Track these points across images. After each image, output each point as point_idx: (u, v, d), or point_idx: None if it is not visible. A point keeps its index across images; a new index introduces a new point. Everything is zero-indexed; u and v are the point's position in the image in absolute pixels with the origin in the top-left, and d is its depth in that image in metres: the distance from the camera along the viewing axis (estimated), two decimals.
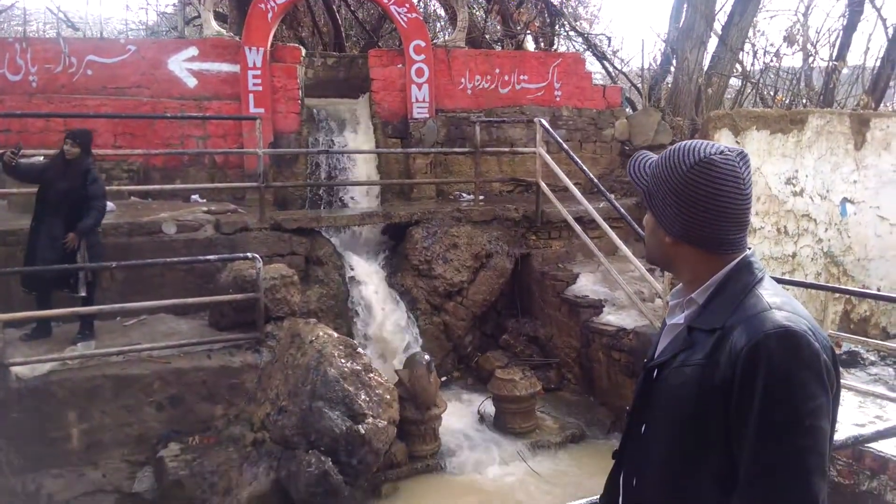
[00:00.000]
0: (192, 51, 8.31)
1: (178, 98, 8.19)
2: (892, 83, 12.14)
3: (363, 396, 5.08)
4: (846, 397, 6.08)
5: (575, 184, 7.41)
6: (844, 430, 2.61)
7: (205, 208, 7.08)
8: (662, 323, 1.59)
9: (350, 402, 4.99)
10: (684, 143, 1.45)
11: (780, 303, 1.35)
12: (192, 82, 8.29)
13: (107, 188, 5.84)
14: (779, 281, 6.98)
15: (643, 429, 1.48)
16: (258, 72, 8.23)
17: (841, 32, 12.25)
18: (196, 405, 5.38)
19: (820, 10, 24.93)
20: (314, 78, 9.39)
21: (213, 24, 8.60)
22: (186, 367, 5.36)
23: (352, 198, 8.52)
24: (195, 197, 7.99)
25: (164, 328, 5.91)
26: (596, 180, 7.15)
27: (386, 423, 5.13)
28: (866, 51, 19.67)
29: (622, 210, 6.79)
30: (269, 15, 8.32)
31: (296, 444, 4.96)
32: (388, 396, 5.27)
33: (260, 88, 8.23)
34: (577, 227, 7.23)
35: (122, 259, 5.73)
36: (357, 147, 8.54)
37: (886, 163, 8.22)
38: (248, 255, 5.69)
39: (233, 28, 9.72)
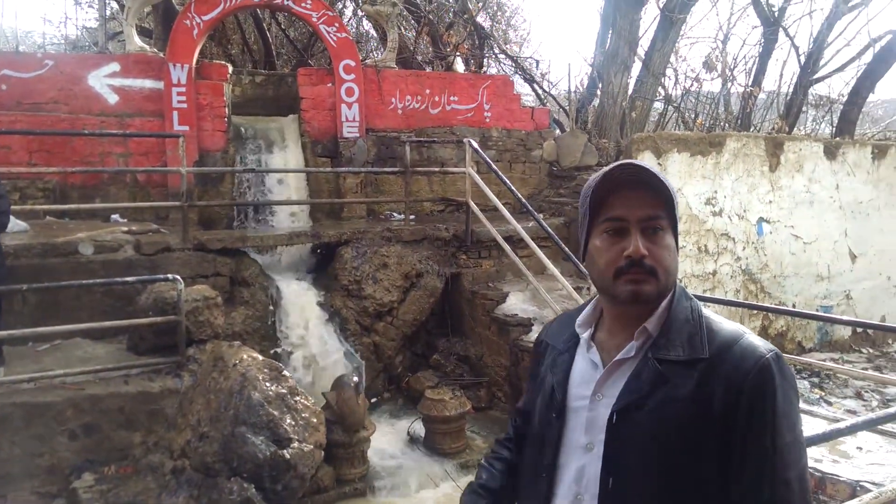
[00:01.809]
0: (114, 66, 8.07)
1: (99, 115, 7.93)
2: (804, 108, 12.75)
3: (289, 420, 4.97)
4: None
5: (505, 204, 7.49)
6: None
7: (125, 228, 6.84)
8: (564, 358, 1.57)
9: (275, 427, 4.87)
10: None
11: (741, 328, 1.42)
12: (113, 98, 8.04)
13: (21, 207, 5.59)
14: (702, 299, 7.20)
15: (610, 483, 1.37)
16: (183, 89, 8.04)
17: (757, 59, 12.83)
18: (112, 433, 5.16)
19: (737, 38, 26.02)
20: (242, 96, 9.24)
21: (136, 39, 8.38)
22: (102, 393, 5.14)
23: (279, 217, 8.39)
24: (115, 216, 7.73)
25: (80, 353, 5.67)
26: (524, 200, 7.24)
27: (312, 447, 5.03)
28: (780, 77, 20.56)
29: (550, 230, 6.90)
30: (195, 31, 8.16)
31: (217, 471, 4.80)
32: (315, 420, 5.17)
33: (185, 106, 8.04)
34: (507, 247, 7.30)
35: (35, 281, 5.48)
36: (286, 166, 8.43)
37: (799, 184, 8.60)
38: (169, 276, 5.51)
39: (157, 44, 9.50)
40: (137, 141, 8.00)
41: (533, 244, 6.92)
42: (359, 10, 13.03)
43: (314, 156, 8.68)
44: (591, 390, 1.45)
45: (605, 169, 1.41)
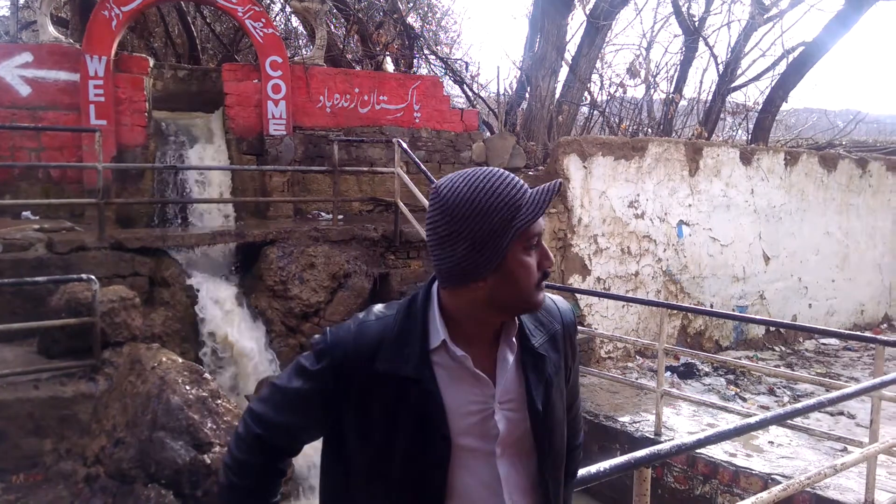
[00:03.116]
0: (27, 57, 7.69)
1: (9, 107, 7.56)
2: (722, 115, 13.25)
3: (210, 424, 4.84)
4: (681, 406, 6.49)
5: None
6: (678, 438, 2.76)
7: (36, 226, 6.54)
8: (427, 386, 1.41)
9: (195, 431, 4.73)
10: (488, 169, 1.46)
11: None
12: (25, 90, 7.67)
13: None
14: (623, 299, 7.36)
15: (543, 468, 1.50)
16: (100, 82, 7.73)
17: (678, 67, 13.26)
18: (21, 440, 4.91)
19: (660, 46, 26.83)
20: (164, 90, 8.97)
21: (51, 29, 8.02)
22: (10, 398, 4.89)
23: (203, 216, 8.17)
24: (27, 213, 7.38)
25: None
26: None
27: None
28: (700, 85, 21.30)
29: None
30: (114, 22, 7.86)
31: (134, 477, 4.64)
32: (237, 423, 5.05)
33: (102, 99, 7.74)
34: None
35: None
36: (209, 163, 8.22)
37: (717, 188, 8.91)
38: (84, 276, 5.29)
39: (74, 34, 9.12)
40: (51, 135, 7.66)
41: None
42: (287, 7, 12.82)
43: (239, 153, 8.49)
44: (483, 404, 1.45)
45: (541, 196, 1.38)
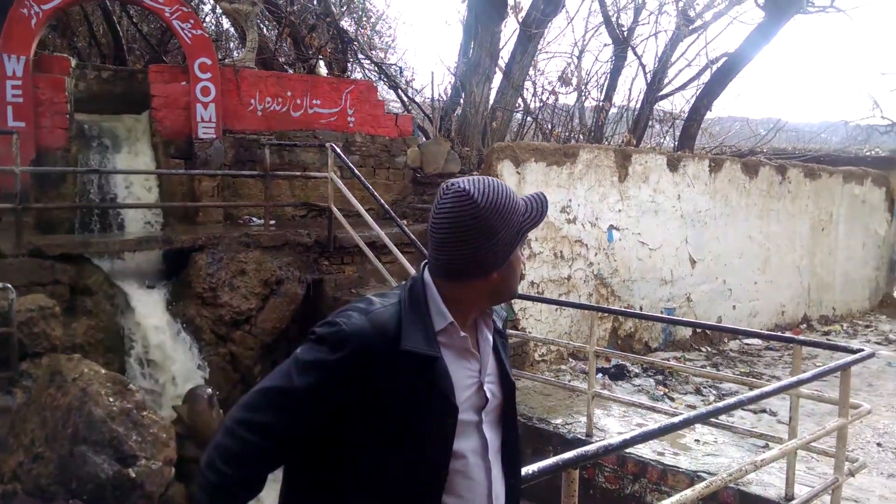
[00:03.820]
0: None
1: None
2: (650, 123, 13.61)
3: (134, 437, 4.69)
4: (612, 408, 6.63)
5: (368, 209, 7.45)
6: (608, 438, 2.82)
7: None
8: (440, 363, 1.58)
9: (119, 444, 4.58)
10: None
11: None
12: None
13: None
14: (556, 303, 7.46)
15: (509, 430, 1.73)
16: (18, 82, 7.42)
17: (608, 76, 13.56)
18: None
19: (591, 55, 27.35)
20: (87, 91, 8.65)
21: None
22: None
23: (128, 222, 7.92)
24: None
25: None
26: (387, 206, 7.23)
27: (161, 463, 4.77)
28: (629, 93, 21.83)
29: (413, 236, 6.94)
30: (33, 21, 7.56)
31: (53, 493, 4.46)
32: (165, 435, 4.91)
33: (20, 100, 7.42)
34: (370, 253, 7.27)
35: None
36: (134, 167, 7.97)
37: (645, 194, 9.14)
38: (0, 284, 5.07)
39: None
40: None
41: (396, 250, 6.93)
42: (217, 8, 12.57)
43: (167, 157, 8.26)
44: (473, 378, 1.65)
45: (540, 204, 1.64)
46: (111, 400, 4.76)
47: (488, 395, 1.66)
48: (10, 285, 5.07)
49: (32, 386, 5.05)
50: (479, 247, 1.55)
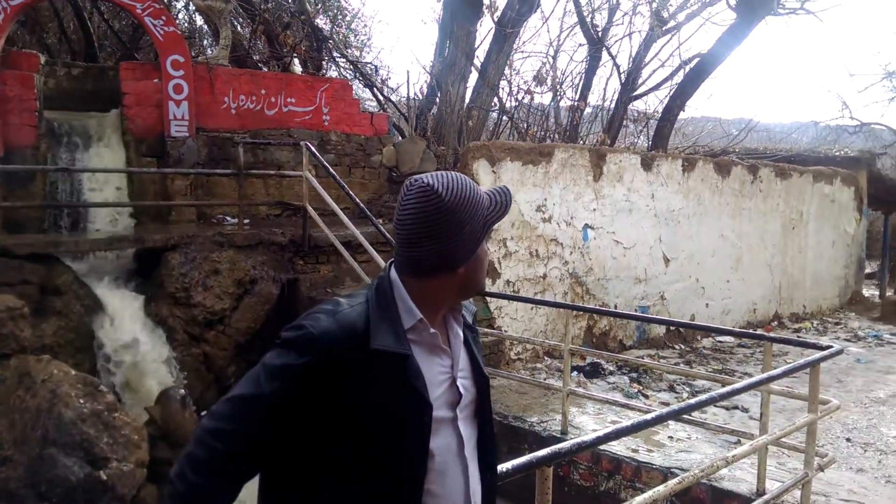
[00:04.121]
0: None
1: None
2: (624, 122, 13.71)
3: (105, 439, 4.63)
4: (587, 405, 6.67)
5: (344, 209, 7.42)
6: (582, 436, 2.82)
7: None
8: (412, 360, 1.57)
9: (89, 447, 4.52)
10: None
11: None
12: None
13: None
14: (531, 301, 7.48)
15: (483, 430, 1.72)
16: None
17: (583, 75, 13.63)
18: None
19: (566, 55, 27.51)
20: (57, 89, 8.52)
21: None
22: None
23: (99, 221, 7.80)
24: None
25: None
26: (363, 205, 7.20)
27: (133, 465, 4.72)
28: (604, 93, 21.98)
29: (388, 235, 6.92)
30: (1, 17, 7.43)
31: (23, 497, 4.39)
32: (137, 437, 4.86)
33: None
34: (345, 252, 7.24)
35: None
36: (105, 166, 7.86)
37: (619, 193, 9.20)
38: None
39: None
40: None
41: (371, 249, 6.90)
42: (191, 4, 12.44)
43: (138, 155, 8.16)
44: (445, 374, 1.64)
45: (504, 197, 1.65)
46: (82, 401, 4.69)
47: (461, 390, 1.65)
48: None
49: (0, 388, 4.96)
50: (445, 241, 1.54)
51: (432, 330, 1.61)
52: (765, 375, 3.74)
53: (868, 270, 16.19)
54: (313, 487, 1.54)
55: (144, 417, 5.35)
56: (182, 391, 5.54)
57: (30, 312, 5.50)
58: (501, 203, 1.63)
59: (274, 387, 1.50)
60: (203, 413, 6.42)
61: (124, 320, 6.43)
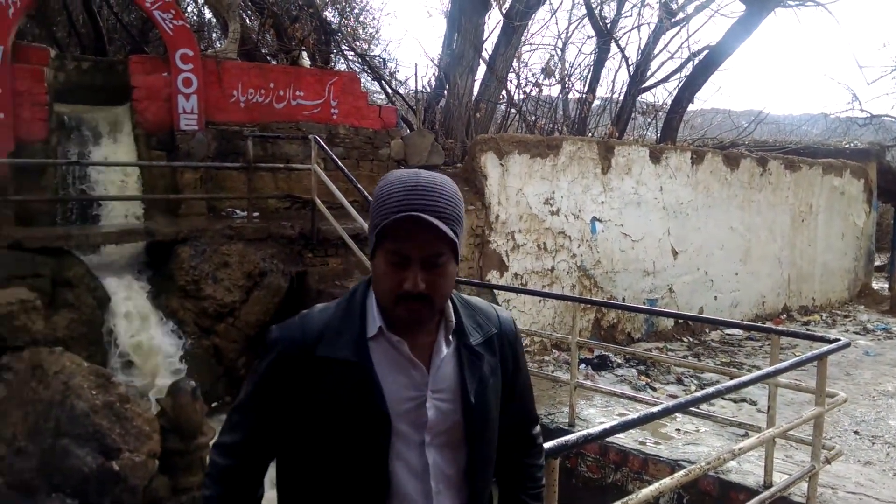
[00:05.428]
0: None
1: None
2: (633, 115, 13.67)
3: (118, 430, 4.68)
4: (595, 398, 6.69)
5: (352, 201, 7.44)
6: (589, 428, 2.84)
7: None
8: (365, 367, 1.49)
9: (102, 438, 4.57)
10: (424, 173, 1.51)
11: (481, 299, 1.73)
12: None
13: None
14: (539, 294, 7.49)
15: (472, 460, 1.57)
16: None
17: (591, 68, 13.60)
18: None
19: (574, 47, 27.33)
20: (67, 82, 8.55)
21: None
22: None
23: (110, 214, 7.86)
24: None
25: None
26: (371, 198, 7.20)
27: (145, 456, 4.77)
28: (612, 85, 21.90)
29: None
30: (11, 10, 7.46)
31: (36, 487, 4.44)
32: (148, 428, 4.91)
33: None
34: (354, 245, 7.26)
35: None
36: (116, 159, 7.91)
37: (628, 186, 9.20)
38: None
39: None
40: None
41: None
42: None
43: (148, 149, 8.20)
44: (417, 391, 1.53)
45: (391, 211, 1.43)
46: (94, 393, 4.75)
47: (430, 411, 1.52)
48: None
49: (13, 380, 5.01)
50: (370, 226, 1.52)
51: (395, 338, 1.51)
52: (772, 368, 3.75)
53: (877, 263, 16.11)
54: (298, 495, 1.61)
55: (155, 409, 5.40)
56: (192, 383, 5.58)
57: (42, 305, 5.56)
58: (390, 215, 1.43)
59: (248, 390, 1.59)
60: (214, 404, 6.48)
61: (135, 313, 6.48)
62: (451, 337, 1.57)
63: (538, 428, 1.84)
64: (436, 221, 1.42)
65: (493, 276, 7.92)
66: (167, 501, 5.16)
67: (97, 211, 7.86)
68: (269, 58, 11.49)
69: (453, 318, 1.58)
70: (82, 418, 4.57)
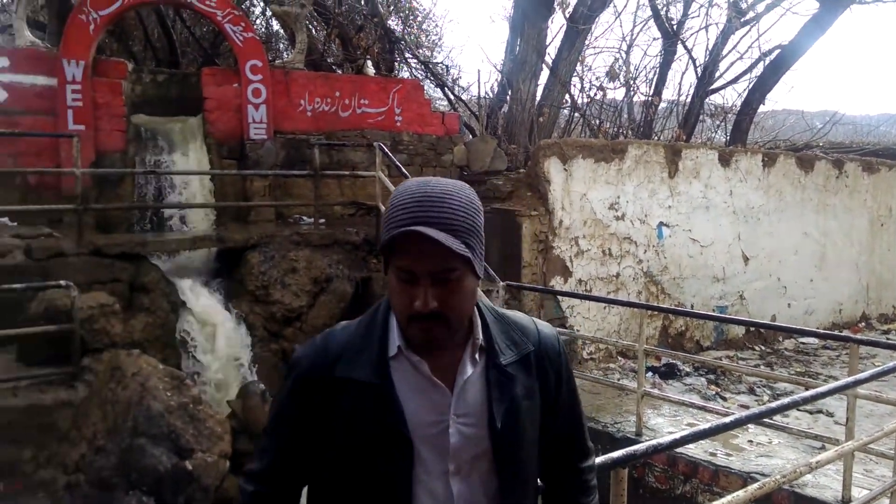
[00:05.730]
0: (3, 61, 7.62)
1: None
2: (701, 117, 13.37)
3: (191, 431, 4.83)
4: (662, 407, 6.55)
5: None
6: (657, 438, 2.78)
7: (14, 232, 6.48)
8: (386, 388, 1.41)
9: (176, 438, 4.72)
10: (446, 181, 1.40)
11: (522, 314, 1.62)
12: (1, 95, 7.60)
13: None
14: (603, 300, 7.40)
15: (504, 488, 1.46)
16: (78, 86, 7.68)
17: (657, 70, 13.36)
18: None
19: (639, 49, 27.02)
20: (143, 95, 8.90)
21: (27, 33, 7.95)
22: None
23: (184, 221, 8.12)
24: (4, 220, 7.30)
25: None
26: None
27: (217, 457, 4.90)
28: (679, 87, 21.47)
29: None
30: (91, 27, 7.81)
31: (115, 485, 4.62)
32: (220, 429, 5.05)
33: (80, 104, 7.68)
34: None
35: None
36: (189, 168, 8.18)
37: (696, 190, 9.00)
38: (62, 282, 5.26)
39: (51, 39, 9.03)
40: (29, 140, 7.58)
41: None
42: (267, 10, 12.79)
43: (219, 158, 8.45)
44: (440, 415, 1.43)
45: (396, 225, 1.33)
46: (169, 394, 4.91)
47: (453, 437, 1.42)
48: (72, 283, 5.25)
49: (94, 380, 5.23)
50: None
51: (415, 358, 1.42)
52: (851, 379, 3.61)
53: None
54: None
55: (227, 411, 5.55)
56: (261, 386, 5.73)
57: (120, 309, 5.79)
58: (393, 229, 1.33)
59: (274, 412, 1.55)
60: None
61: (207, 317, 6.68)
62: (477, 356, 1.46)
63: (591, 461, 1.68)
64: (440, 235, 1.30)
65: (557, 283, 7.85)
66: (238, 501, 5.28)
67: (171, 218, 8.13)
68: (334, 67, 11.70)
69: (481, 336, 1.47)
70: (158, 419, 4.73)
